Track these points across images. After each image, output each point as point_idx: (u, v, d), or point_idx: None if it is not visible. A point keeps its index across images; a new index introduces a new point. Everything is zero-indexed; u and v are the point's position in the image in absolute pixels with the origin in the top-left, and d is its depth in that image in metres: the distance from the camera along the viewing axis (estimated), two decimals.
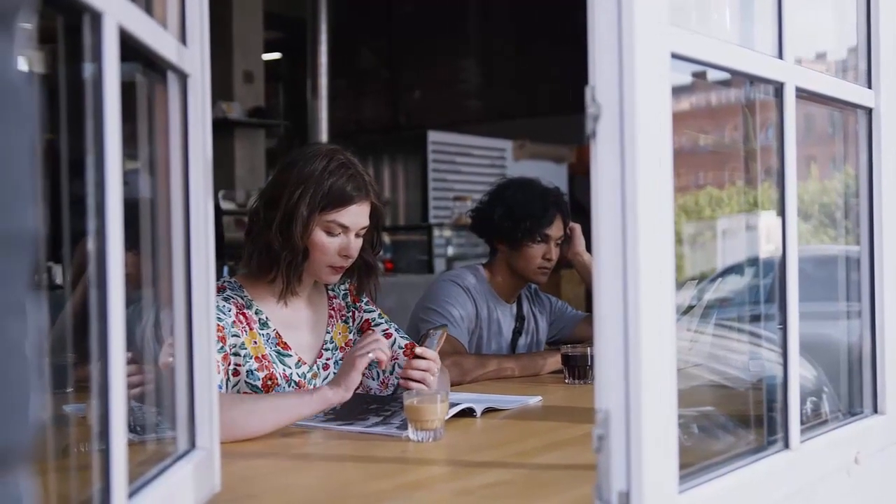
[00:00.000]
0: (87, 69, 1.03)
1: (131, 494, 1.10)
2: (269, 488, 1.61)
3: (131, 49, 1.12)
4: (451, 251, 7.55)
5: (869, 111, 1.82)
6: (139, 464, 1.24)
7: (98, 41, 1.01)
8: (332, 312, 2.40)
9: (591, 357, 2.66)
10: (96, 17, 1.00)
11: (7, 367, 0.58)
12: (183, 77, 1.36)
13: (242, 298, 2.23)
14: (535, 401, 2.36)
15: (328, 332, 2.37)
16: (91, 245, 1.02)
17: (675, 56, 1.25)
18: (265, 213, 2.22)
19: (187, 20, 1.37)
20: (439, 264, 7.37)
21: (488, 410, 2.19)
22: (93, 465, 1.06)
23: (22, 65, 0.61)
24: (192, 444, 1.38)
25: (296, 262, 2.20)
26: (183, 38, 1.36)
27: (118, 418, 1.03)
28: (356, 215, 2.22)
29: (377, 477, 1.65)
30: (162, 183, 1.38)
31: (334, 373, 2.31)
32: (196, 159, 1.38)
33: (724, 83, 1.73)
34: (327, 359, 2.35)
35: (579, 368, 2.66)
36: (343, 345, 2.38)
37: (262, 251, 2.22)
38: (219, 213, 5.28)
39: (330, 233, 2.21)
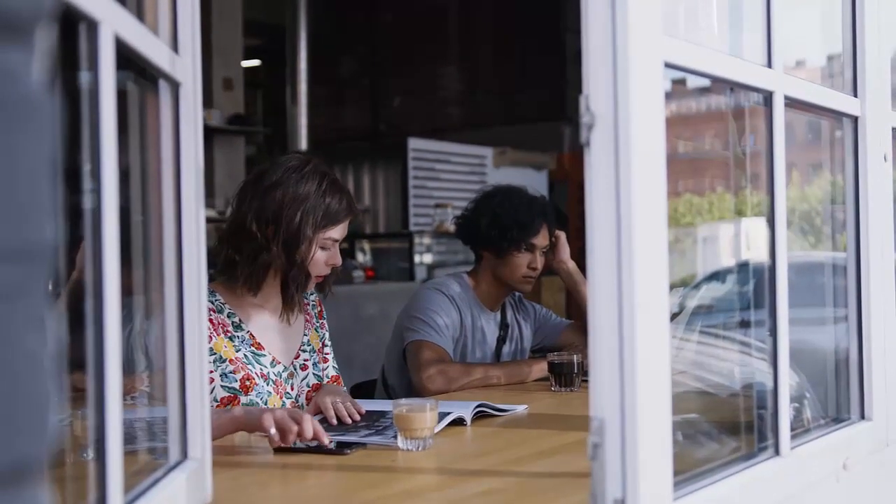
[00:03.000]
0: (83, 77, 1.02)
1: None
2: (259, 499, 1.60)
3: (124, 57, 1.11)
4: (431, 258, 7.54)
5: (855, 119, 1.84)
6: (132, 474, 1.24)
7: (94, 49, 1.00)
8: (308, 317, 2.48)
9: (578, 364, 2.67)
10: (92, 26, 1.00)
11: (26, 379, 0.57)
12: (175, 85, 1.35)
13: (213, 303, 2.27)
14: (522, 409, 2.36)
15: (305, 335, 2.44)
16: (87, 254, 1.01)
17: (667, 65, 1.26)
18: (261, 232, 2.24)
19: (179, 28, 1.37)
20: (420, 272, 7.36)
21: (479, 416, 2.20)
22: (85, 476, 1.06)
23: (41, 76, 0.60)
24: (185, 455, 1.38)
25: (302, 282, 2.29)
26: (175, 47, 1.36)
27: (114, 429, 1.02)
28: (345, 228, 2.34)
29: (369, 486, 1.65)
30: (153, 191, 1.37)
31: (313, 373, 2.42)
32: (188, 168, 1.38)
33: (704, 90, 1.74)
34: (305, 360, 2.41)
35: (565, 376, 2.66)
36: (317, 350, 2.47)
37: (262, 269, 2.27)
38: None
39: (323, 248, 2.31)
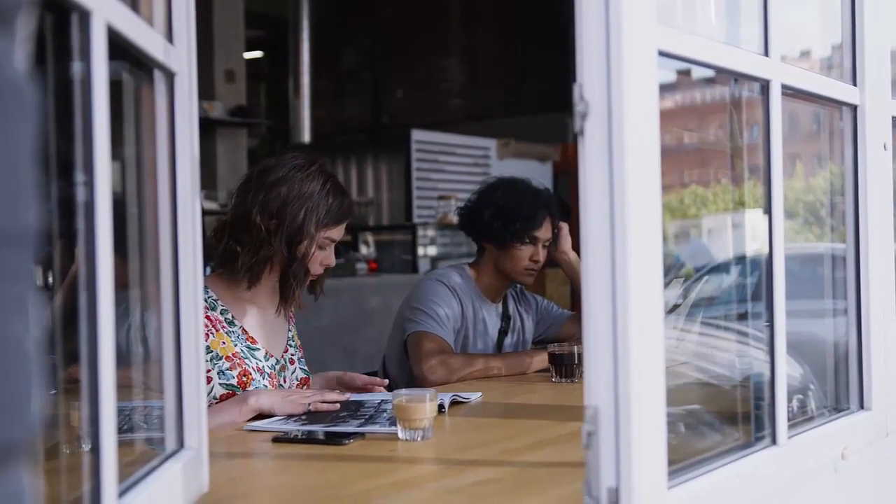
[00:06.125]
0: (75, 67, 1.02)
1: (121, 494, 1.09)
2: (257, 488, 1.61)
3: (118, 47, 1.11)
4: (435, 251, 7.53)
5: (854, 108, 1.83)
6: (127, 464, 1.24)
7: (86, 39, 1.00)
8: (292, 314, 2.51)
9: (578, 355, 2.67)
10: (84, 16, 1.00)
11: (10, 363, 0.58)
12: (170, 76, 1.35)
13: (206, 300, 2.28)
14: (475, 397, 2.39)
15: (290, 331, 2.49)
16: (79, 246, 1.02)
17: (662, 54, 1.26)
18: (264, 225, 2.26)
19: (174, 18, 1.37)
20: (423, 264, 7.36)
21: (454, 403, 2.26)
22: (81, 466, 1.06)
23: (22, 63, 0.61)
24: (181, 444, 1.38)
25: (301, 277, 2.32)
26: (170, 37, 1.35)
27: (108, 419, 1.02)
28: (342, 230, 2.38)
29: (366, 476, 1.65)
30: (148, 183, 1.37)
31: (300, 368, 2.47)
32: (183, 159, 1.38)
33: (709, 81, 1.74)
34: (292, 354, 2.46)
35: (566, 367, 2.67)
36: (298, 346, 2.52)
37: (262, 262, 2.29)
38: (201, 213, 5.32)
39: (321, 247, 2.33)
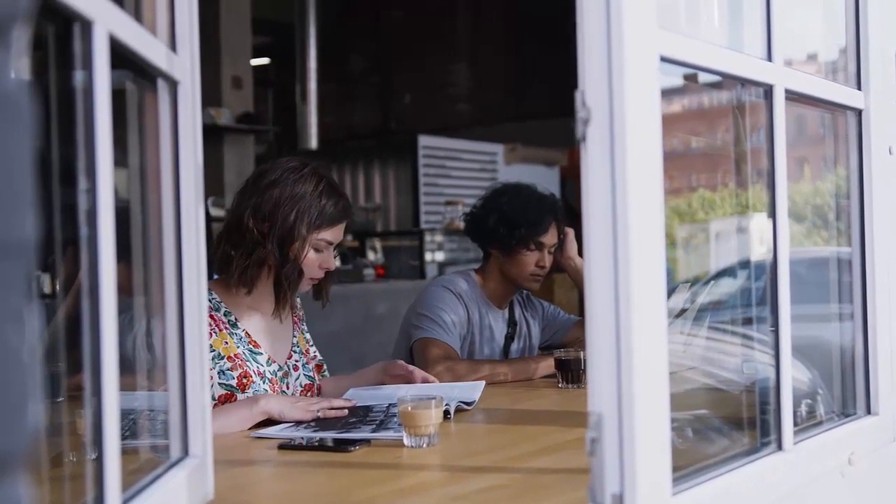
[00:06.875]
0: (77, 76, 1.03)
1: (125, 502, 1.09)
2: (262, 496, 1.60)
3: (121, 56, 1.12)
4: (442, 256, 7.53)
5: (858, 112, 1.83)
6: (132, 472, 1.24)
7: (88, 49, 1.01)
8: (296, 320, 2.52)
9: (584, 361, 2.66)
10: (87, 25, 1.00)
11: (5, 373, 0.58)
12: (173, 84, 1.36)
13: (210, 301, 2.29)
14: (480, 387, 2.43)
15: (294, 336, 2.48)
16: (82, 254, 1.02)
17: (664, 59, 1.26)
18: (257, 228, 2.26)
19: (177, 27, 1.37)
20: (431, 270, 7.36)
21: (459, 410, 2.25)
22: (85, 474, 1.06)
23: (19, 73, 0.61)
24: (185, 452, 1.38)
25: (294, 279, 2.32)
26: (173, 46, 1.36)
27: (111, 427, 1.02)
28: (341, 232, 2.37)
29: (372, 483, 1.65)
30: (152, 191, 1.37)
31: (304, 374, 2.45)
32: (187, 166, 1.38)
33: (715, 85, 1.73)
34: (296, 361, 2.46)
35: (572, 372, 2.66)
36: (304, 351, 2.50)
37: (256, 265, 2.29)
38: (208, 219, 5.32)
39: (317, 249, 2.33)
